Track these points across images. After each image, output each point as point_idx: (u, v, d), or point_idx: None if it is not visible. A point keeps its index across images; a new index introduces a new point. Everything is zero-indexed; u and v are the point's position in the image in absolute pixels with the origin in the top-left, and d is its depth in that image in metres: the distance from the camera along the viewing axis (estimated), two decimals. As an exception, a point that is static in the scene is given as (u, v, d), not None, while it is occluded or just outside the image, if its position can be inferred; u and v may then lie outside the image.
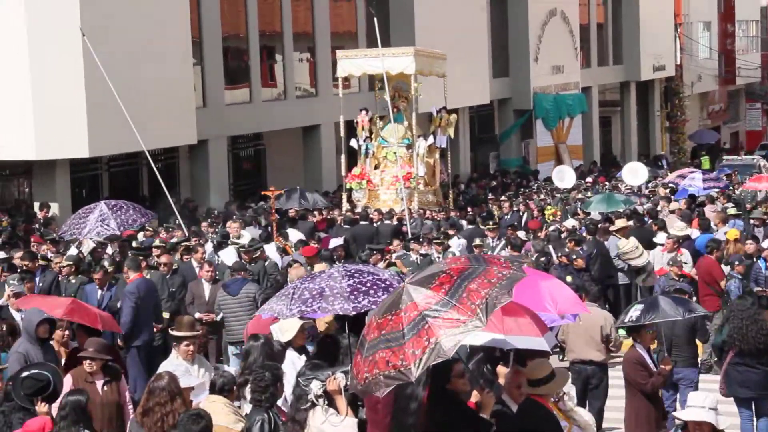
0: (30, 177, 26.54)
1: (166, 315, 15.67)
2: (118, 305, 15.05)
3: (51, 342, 11.77)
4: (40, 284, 15.82)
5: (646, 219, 23.54)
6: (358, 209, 27.44)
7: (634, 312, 11.69)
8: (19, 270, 15.90)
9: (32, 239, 20.30)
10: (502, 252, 19.91)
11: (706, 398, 8.58)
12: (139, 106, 25.80)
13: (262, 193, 25.84)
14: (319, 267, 16.13)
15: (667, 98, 55.09)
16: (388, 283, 9.89)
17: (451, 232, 22.29)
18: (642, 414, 11.38)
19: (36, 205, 25.51)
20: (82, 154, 25.31)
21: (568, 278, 17.30)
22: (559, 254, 19.11)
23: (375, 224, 24.09)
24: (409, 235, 21.76)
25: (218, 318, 15.63)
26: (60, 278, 16.34)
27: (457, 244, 21.30)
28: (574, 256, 18.64)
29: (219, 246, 19.39)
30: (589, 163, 46.05)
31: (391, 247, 20.29)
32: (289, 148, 34.18)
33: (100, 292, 15.51)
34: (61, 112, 24.58)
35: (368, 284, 9.85)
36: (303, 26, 34.44)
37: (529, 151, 44.99)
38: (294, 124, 33.68)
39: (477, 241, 20.19)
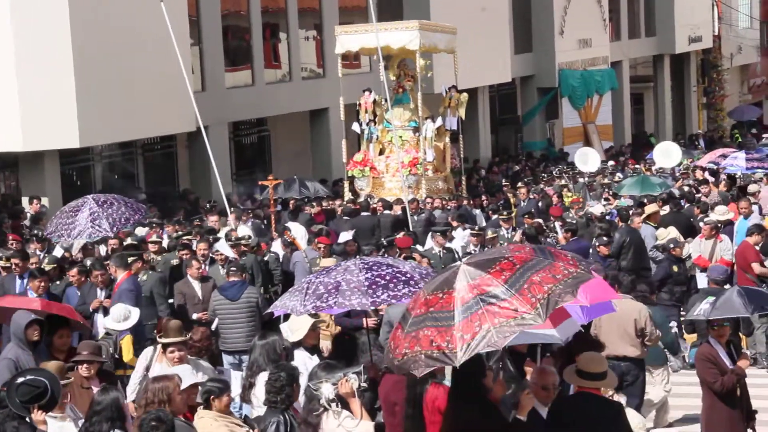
0: (16, 170, 26.66)
1: None
2: (91, 309, 14.97)
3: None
4: (27, 286, 15.42)
5: (682, 203, 23.57)
6: (361, 198, 26.99)
7: (705, 305, 11.62)
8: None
9: (10, 237, 19.93)
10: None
11: None
12: (132, 92, 25.97)
13: (259, 183, 25.71)
14: (326, 262, 16.21)
15: (705, 72, 54.92)
16: (409, 275, 9.96)
17: (454, 224, 22.02)
18: (716, 415, 11.28)
19: (24, 200, 25.61)
20: (72, 144, 25.38)
21: None
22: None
23: (377, 215, 23.81)
24: (410, 228, 21.61)
25: (213, 326, 15.01)
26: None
27: (462, 236, 21.22)
28: (597, 243, 18.77)
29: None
30: (620, 145, 45.98)
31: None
32: (295, 134, 34.27)
33: (78, 293, 15.36)
34: (49, 99, 24.65)
35: (387, 277, 9.91)
36: (308, 1, 34.47)
37: (555, 132, 45.00)
38: (300, 107, 33.74)
39: (489, 233, 20.07)
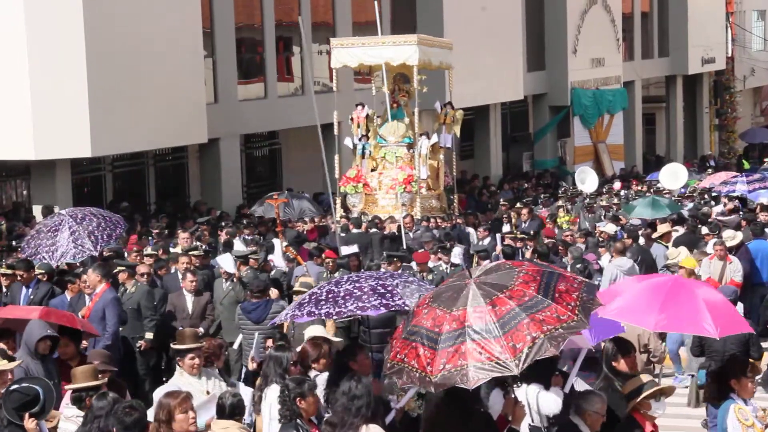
0: (28, 178, 26.67)
1: (149, 335, 15.60)
2: (80, 316, 14.82)
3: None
4: (31, 296, 15.61)
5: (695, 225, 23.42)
6: (354, 215, 26.47)
7: None
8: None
9: None
10: None
11: None
12: (144, 102, 25.97)
13: (266, 201, 25.60)
14: (304, 280, 16.08)
15: (717, 93, 54.84)
16: (389, 289, 10.13)
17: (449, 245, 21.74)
18: None
19: (35, 209, 25.61)
20: (84, 154, 25.40)
21: None
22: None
23: (369, 233, 23.42)
24: (403, 245, 21.41)
25: (236, 345, 14.82)
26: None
27: (457, 253, 20.97)
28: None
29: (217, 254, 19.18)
30: (631, 167, 45.87)
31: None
32: (306, 147, 34.17)
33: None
34: (62, 108, 24.66)
35: (365, 289, 10.09)
36: (322, 16, 34.47)
37: (566, 150, 44.88)
38: (312, 121, 33.50)
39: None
